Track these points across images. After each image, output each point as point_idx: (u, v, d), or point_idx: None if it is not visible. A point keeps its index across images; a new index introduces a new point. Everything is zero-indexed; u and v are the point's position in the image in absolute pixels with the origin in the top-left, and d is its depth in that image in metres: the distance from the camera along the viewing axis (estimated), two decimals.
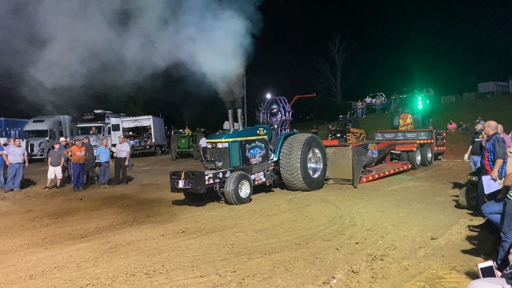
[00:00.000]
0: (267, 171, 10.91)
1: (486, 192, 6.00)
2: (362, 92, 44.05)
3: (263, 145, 11.00)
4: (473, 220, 7.09)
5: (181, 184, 9.30)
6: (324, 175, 11.79)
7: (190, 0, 10.74)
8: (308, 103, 45.54)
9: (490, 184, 5.91)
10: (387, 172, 13.45)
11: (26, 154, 13.74)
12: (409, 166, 14.86)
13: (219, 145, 10.13)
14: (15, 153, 12.98)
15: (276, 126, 12.00)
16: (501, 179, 5.73)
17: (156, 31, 10.37)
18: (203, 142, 23.93)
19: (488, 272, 2.34)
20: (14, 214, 9.55)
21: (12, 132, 28.04)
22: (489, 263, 2.42)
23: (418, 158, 15.58)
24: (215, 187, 9.44)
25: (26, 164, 13.63)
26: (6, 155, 12.88)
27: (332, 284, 4.49)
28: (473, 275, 4.48)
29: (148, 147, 28.61)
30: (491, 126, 6.49)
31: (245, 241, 6.34)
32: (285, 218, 7.90)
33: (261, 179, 10.67)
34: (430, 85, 23.97)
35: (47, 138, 25.86)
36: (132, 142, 26.82)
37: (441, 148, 17.89)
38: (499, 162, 6.06)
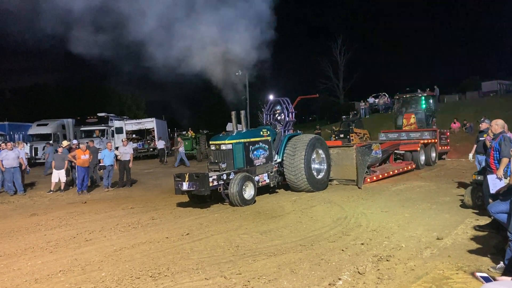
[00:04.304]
0: (271, 172, 10.88)
1: (491, 191, 5.95)
2: (365, 92, 43.93)
3: (266, 146, 10.98)
4: (479, 219, 7.05)
5: (185, 186, 9.29)
6: (328, 175, 11.76)
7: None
8: (311, 104, 45.55)
9: (495, 183, 5.86)
10: (391, 172, 13.41)
11: (21, 156, 13.43)
12: (413, 166, 14.81)
13: (223, 147, 10.12)
14: (9, 157, 12.85)
15: (279, 127, 11.98)
16: (506, 178, 5.69)
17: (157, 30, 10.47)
18: (160, 144, 24.28)
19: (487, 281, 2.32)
20: (19, 217, 9.57)
21: (16, 136, 28.09)
22: (485, 274, 2.41)
23: (422, 157, 15.51)
24: (219, 188, 9.44)
25: (24, 166, 13.49)
26: (1, 161, 12.80)
27: (338, 286, 4.47)
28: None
29: (151, 149, 28.66)
30: (499, 124, 6.42)
31: (250, 243, 6.33)
32: (289, 219, 7.88)
33: (265, 180, 10.65)
34: (434, 84, 23.83)
35: (51, 141, 25.94)
36: (135, 144, 26.88)
37: (445, 147, 17.80)
38: (504, 160, 6.01)
